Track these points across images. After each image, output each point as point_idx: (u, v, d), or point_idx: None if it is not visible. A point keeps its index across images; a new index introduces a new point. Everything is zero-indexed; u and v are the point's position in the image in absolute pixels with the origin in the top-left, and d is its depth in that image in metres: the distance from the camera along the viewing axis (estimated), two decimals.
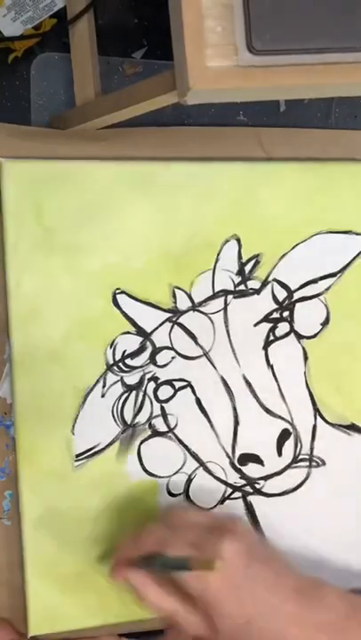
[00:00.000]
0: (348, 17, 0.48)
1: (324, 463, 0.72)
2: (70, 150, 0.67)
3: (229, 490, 0.69)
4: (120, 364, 0.67)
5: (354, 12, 0.48)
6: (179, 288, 0.69)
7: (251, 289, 0.70)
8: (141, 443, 0.68)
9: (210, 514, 0.67)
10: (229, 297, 0.69)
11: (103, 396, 0.67)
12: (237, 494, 0.70)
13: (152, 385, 0.68)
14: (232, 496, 0.70)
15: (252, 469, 0.69)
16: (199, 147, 0.70)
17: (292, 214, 0.71)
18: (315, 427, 0.71)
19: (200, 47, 0.46)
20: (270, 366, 0.70)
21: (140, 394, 0.68)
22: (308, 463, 0.71)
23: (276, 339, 0.71)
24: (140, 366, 0.68)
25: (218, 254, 0.69)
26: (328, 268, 0.72)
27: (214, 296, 0.69)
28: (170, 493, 0.68)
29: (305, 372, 0.72)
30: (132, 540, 0.61)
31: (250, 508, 0.70)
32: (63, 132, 0.66)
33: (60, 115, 0.67)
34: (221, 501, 0.69)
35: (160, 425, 0.68)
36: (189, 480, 0.69)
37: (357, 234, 0.73)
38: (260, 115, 0.73)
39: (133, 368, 0.67)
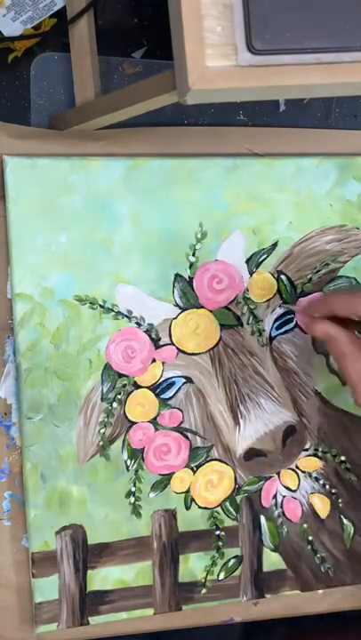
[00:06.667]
0: (348, 16, 0.48)
1: (331, 457, 0.72)
2: (70, 150, 0.67)
3: (235, 485, 0.70)
4: None
5: (353, 11, 0.48)
6: None
7: None
8: (146, 439, 0.68)
9: None
10: None
11: (106, 392, 0.67)
12: (244, 490, 0.70)
13: (156, 381, 0.68)
14: (238, 491, 0.70)
15: (257, 464, 0.69)
16: (199, 146, 0.70)
17: (295, 210, 0.71)
18: (321, 421, 0.72)
19: (200, 47, 0.46)
20: (275, 360, 0.71)
21: (144, 390, 0.68)
22: (314, 457, 0.72)
23: (281, 333, 0.71)
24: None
25: (222, 248, 0.69)
26: (332, 262, 0.72)
27: None
28: (174, 490, 0.68)
29: (310, 366, 0.72)
30: (346, 299, 0.62)
31: (254, 505, 0.70)
32: (63, 132, 0.66)
33: (60, 115, 0.67)
34: (228, 497, 0.70)
35: (165, 421, 0.68)
36: (195, 476, 0.69)
37: (359, 228, 0.73)
38: (260, 115, 0.73)
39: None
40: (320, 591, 0.73)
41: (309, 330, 0.68)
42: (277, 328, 0.71)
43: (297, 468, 0.71)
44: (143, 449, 0.68)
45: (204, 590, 0.69)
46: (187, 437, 0.69)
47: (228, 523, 0.70)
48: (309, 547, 0.72)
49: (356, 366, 0.61)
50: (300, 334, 0.72)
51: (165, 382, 0.68)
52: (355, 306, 0.61)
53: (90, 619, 0.67)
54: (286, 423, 0.70)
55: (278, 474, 0.71)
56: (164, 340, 0.68)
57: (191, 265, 0.69)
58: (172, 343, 0.68)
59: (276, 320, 0.71)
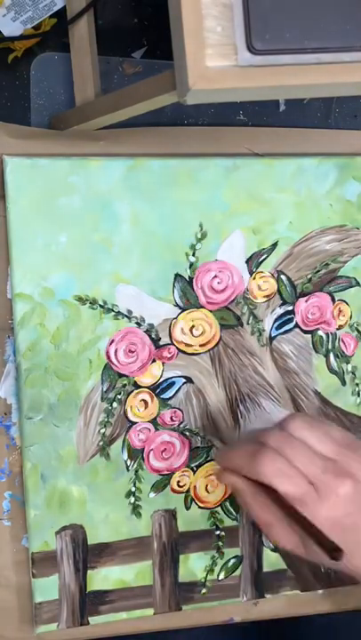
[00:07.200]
0: (348, 16, 0.48)
1: None
2: (70, 150, 0.67)
3: None
4: None
5: (353, 11, 0.48)
6: None
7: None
8: (146, 439, 0.68)
9: (332, 440, 0.59)
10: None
11: (106, 392, 0.67)
12: None
13: (156, 381, 0.68)
14: None
15: None
16: (199, 146, 0.70)
17: (295, 210, 0.71)
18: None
19: (200, 47, 0.46)
20: (275, 360, 0.71)
21: (144, 390, 0.68)
22: None
23: (281, 333, 0.71)
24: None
25: (222, 248, 0.69)
26: (332, 262, 0.72)
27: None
28: (174, 490, 0.68)
29: (310, 366, 0.72)
30: (247, 458, 0.58)
31: None
32: (63, 132, 0.66)
33: (60, 115, 0.67)
34: (228, 497, 0.70)
35: (165, 421, 0.68)
36: (195, 476, 0.69)
37: (359, 228, 0.73)
38: (259, 115, 0.73)
39: None
40: (320, 591, 0.73)
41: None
42: (277, 328, 0.71)
43: None
44: (143, 449, 0.68)
45: (204, 590, 0.69)
46: (187, 437, 0.69)
47: (228, 523, 0.70)
48: None
49: (262, 516, 0.60)
50: (301, 334, 0.72)
51: (165, 382, 0.68)
52: (255, 468, 0.57)
53: (90, 619, 0.67)
54: None
55: None
56: (164, 340, 0.68)
57: (191, 265, 0.69)
58: (172, 343, 0.68)
59: (276, 320, 0.71)
